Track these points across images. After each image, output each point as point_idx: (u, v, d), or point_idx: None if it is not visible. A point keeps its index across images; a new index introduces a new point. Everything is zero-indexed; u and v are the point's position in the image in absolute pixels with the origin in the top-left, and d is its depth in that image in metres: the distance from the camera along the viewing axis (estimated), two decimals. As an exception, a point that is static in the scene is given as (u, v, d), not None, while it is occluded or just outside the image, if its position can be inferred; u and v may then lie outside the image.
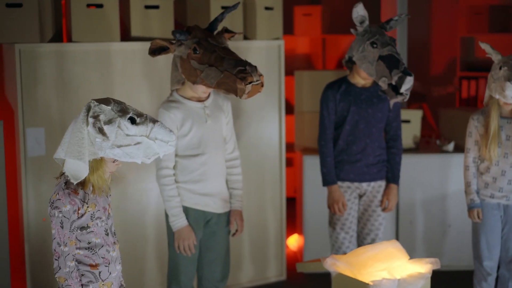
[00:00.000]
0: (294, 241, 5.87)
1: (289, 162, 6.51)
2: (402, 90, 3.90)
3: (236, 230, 3.95)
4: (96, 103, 2.75)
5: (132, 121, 2.75)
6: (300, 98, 5.54)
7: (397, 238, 5.40)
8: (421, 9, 8.45)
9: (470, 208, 4.21)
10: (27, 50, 4.25)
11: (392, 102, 4.00)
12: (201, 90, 3.70)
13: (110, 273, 2.87)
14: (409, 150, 5.44)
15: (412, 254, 5.38)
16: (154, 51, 3.64)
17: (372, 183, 4.33)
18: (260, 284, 5.16)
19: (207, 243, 3.88)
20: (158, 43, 3.62)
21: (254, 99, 4.97)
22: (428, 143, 5.67)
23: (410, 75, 3.88)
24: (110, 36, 4.46)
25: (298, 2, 7.58)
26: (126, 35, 4.67)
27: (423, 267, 3.56)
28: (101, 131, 2.68)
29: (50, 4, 4.34)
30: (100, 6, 4.41)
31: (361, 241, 4.43)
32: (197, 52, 3.55)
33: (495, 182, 4.14)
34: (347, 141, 4.28)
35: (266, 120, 5.06)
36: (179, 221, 3.73)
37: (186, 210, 3.77)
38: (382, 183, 4.36)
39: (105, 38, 4.45)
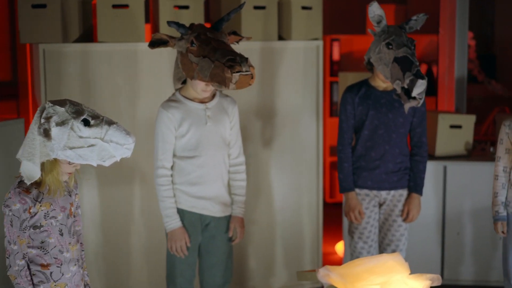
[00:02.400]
0: (342, 247, 5.70)
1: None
2: (414, 93, 3.67)
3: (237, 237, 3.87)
4: (50, 104, 2.76)
5: (86, 123, 2.73)
6: (344, 100, 5.35)
7: (443, 250, 5.13)
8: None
9: (495, 221, 3.94)
10: (51, 50, 4.35)
11: (406, 107, 3.78)
12: (200, 87, 3.65)
13: (62, 274, 2.87)
14: (459, 157, 5.15)
15: (459, 267, 5.09)
16: (154, 44, 3.63)
17: (392, 192, 4.11)
18: (293, 290, 5.06)
19: (207, 247, 3.81)
20: (159, 36, 3.61)
21: (290, 101, 4.86)
22: (484, 149, 5.34)
23: (422, 78, 3.65)
24: (136, 36, 4.49)
25: (386, 1, 7.34)
26: (155, 36, 4.68)
27: (421, 284, 3.35)
28: (45, 132, 2.68)
29: (76, 4, 4.42)
30: (125, 6, 4.45)
31: (382, 252, 4.22)
32: (194, 45, 3.52)
33: (523, 195, 3.84)
34: (366, 147, 4.09)
35: (302, 123, 4.93)
36: (172, 222, 3.69)
37: (182, 213, 3.72)
38: (404, 192, 4.13)
39: (130, 38, 4.48)
